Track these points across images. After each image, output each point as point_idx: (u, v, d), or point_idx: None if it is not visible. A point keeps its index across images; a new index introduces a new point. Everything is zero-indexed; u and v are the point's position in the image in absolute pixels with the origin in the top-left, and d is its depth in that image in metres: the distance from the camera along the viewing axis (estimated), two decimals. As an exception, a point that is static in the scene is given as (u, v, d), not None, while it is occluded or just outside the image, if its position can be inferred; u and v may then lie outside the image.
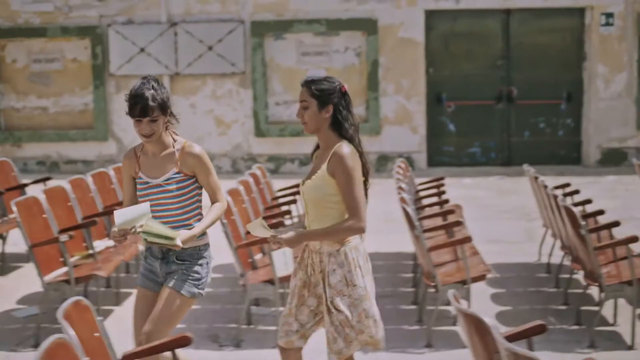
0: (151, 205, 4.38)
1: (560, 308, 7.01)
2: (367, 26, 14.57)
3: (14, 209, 5.93)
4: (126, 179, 4.61)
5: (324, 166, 4.26)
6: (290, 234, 4.27)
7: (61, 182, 7.56)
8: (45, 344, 3.25)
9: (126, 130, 14.86)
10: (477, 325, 3.35)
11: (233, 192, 6.75)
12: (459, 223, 6.41)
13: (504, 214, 11.14)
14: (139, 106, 4.33)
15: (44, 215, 6.22)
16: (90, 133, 15.01)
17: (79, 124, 15.19)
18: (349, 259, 4.24)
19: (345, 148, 4.24)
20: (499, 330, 3.29)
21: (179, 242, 4.26)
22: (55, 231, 6.37)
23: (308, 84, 4.30)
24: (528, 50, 14.80)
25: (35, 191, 9.61)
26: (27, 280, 7.81)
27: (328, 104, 4.27)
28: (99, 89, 14.90)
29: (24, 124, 15.24)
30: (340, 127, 4.29)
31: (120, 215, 4.32)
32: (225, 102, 14.92)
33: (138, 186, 4.54)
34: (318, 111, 4.27)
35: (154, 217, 4.36)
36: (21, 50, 15.10)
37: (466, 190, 12.50)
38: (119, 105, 14.84)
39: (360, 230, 4.23)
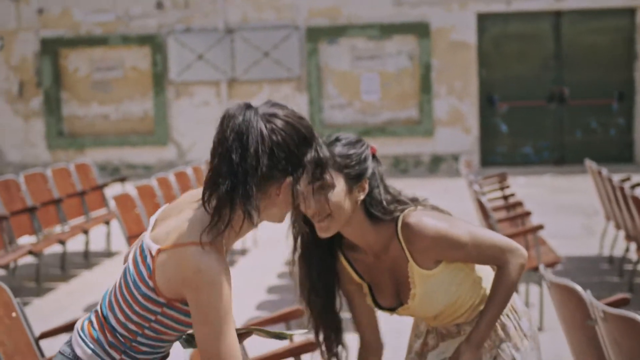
0: None
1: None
2: (420, 30, 14.86)
3: (112, 203, 6.32)
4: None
5: (413, 268, 2.76)
6: (464, 353, 2.80)
7: (144, 182, 7.96)
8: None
9: (184, 135, 15.32)
10: (568, 294, 3.62)
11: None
12: (528, 213, 6.68)
13: (561, 211, 11.35)
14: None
15: (136, 211, 6.61)
16: (150, 138, 15.47)
17: (139, 130, 15.66)
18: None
19: (413, 217, 2.71)
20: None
21: None
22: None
23: None
24: (579, 50, 14.99)
25: (111, 191, 10.05)
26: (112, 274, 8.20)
27: (362, 177, 2.67)
28: (159, 95, 15.35)
29: (86, 130, 15.75)
30: (376, 208, 2.71)
31: None
32: (281, 107, 15.25)
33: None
34: (349, 192, 2.65)
35: None
36: (83, 59, 15.60)
37: (520, 188, 12.71)
38: (178, 111, 15.30)
39: (525, 260, 2.85)
